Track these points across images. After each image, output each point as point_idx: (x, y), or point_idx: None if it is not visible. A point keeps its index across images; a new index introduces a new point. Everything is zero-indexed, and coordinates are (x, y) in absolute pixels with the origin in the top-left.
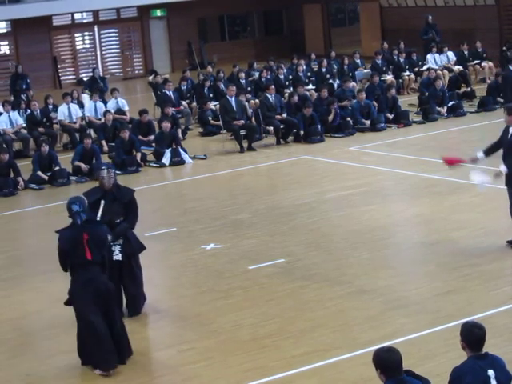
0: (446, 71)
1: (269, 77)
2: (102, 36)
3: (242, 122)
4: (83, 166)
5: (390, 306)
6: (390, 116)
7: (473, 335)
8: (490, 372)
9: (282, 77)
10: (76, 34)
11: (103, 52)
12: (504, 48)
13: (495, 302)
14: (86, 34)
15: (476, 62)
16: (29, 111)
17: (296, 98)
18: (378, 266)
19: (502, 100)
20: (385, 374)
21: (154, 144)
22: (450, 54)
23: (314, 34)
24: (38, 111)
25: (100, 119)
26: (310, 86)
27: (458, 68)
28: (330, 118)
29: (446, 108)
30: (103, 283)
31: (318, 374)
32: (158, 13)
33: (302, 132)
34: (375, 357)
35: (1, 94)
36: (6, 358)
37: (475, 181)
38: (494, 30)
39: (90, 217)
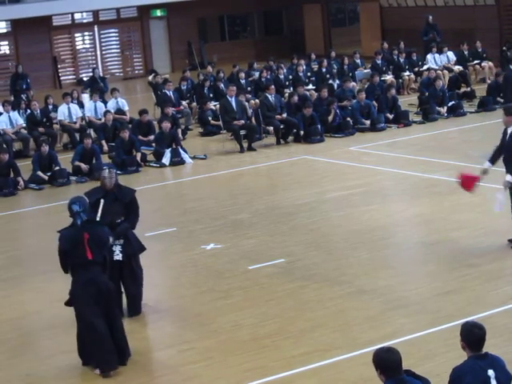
0: (445, 71)
1: (269, 77)
2: (102, 36)
3: (242, 122)
4: (83, 166)
5: (390, 305)
6: (390, 116)
7: (473, 335)
8: (490, 372)
9: (282, 77)
10: (76, 34)
11: (103, 52)
12: (504, 48)
13: (495, 302)
14: (86, 34)
15: (476, 61)
16: (29, 111)
17: (296, 98)
18: (378, 266)
19: (502, 100)
20: (384, 374)
21: (154, 144)
22: (450, 54)
23: (314, 34)
24: (38, 111)
25: (100, 119)
26: (310, 86)
27: (457, 68)
28: (330, 118)
29: (445, 108)
30: (104, 283)
31: (318, 374)
32: (158, 13)
33: (301, 132)
34: (375, 357)
35: (1, 94)
36: (5, 357)
37: (499, 200)
38: (494, 29)
39: (90, 217)
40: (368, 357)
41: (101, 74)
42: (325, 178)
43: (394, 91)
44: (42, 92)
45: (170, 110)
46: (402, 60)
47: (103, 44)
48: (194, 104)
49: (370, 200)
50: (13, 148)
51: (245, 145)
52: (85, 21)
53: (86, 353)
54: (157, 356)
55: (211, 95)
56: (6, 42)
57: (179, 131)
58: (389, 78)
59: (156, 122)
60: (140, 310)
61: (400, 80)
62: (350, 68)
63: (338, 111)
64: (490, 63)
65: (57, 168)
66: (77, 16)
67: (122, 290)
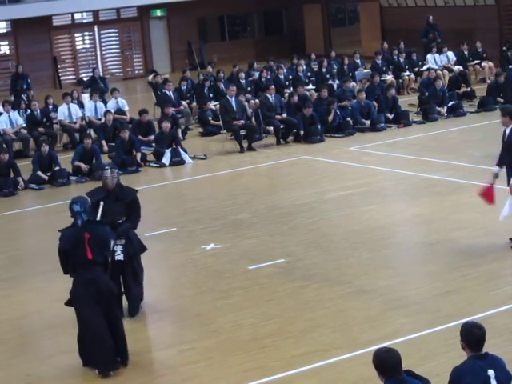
0: (445, 71)
1: (269, 77)
2: (102, 36)
3: (242, 122)
4: (83, 166)
5: (390, 305)
6: (390, 116)
7: (472, 335)
8: (490, 372)
9: (282, 77)
10: (76, 34)
11: (103, 52)
12: (504, 48)
13: (495, 301)
14: (86, 33)
15: (476, 61)
16: (29, 111)
17: (296, 98)
18: (378, 266)
19: (502, 100)
20: (384, 374)
21: (154, 144)
22: (450, 54)
23: (314, 34)
24: (38, 111)
25: (100, 119)
26: (310, 86)
27: (458, 68)
28: (330, 118)
29: (445, 108)
30: (105, 284)
31: (318, 374)
32: (158, 13)
33: (301, 132)
34: (375, 357)
35: (1, 94)
36: (6, 358)
37: (509, 205)
38: (494, 29)
39: (91, 217)
40: (368, 357)
41: (101, 74)
42: (325, 178)
43: (393, 91)
44: (42, 92)
45: (171, 110)
46: (402, 60)
47: (103, 44)
48: (194, 104)
49: (370, 200)
50: (13, 148)
51: (245, 145)
52: (85, 21)
53: (86, 354)
54: (157, 356)
55: (211, 95)
56: (6, 42)
57: (179, 131)
58: (389, 78)
59: (156, 122)
60: (139, 310)
61: (400, 80)
62: (350, 68)
63: (337, 111)
64: (490, 63)
65: (57, 168)
66: (77, 16)
67: (122, 289)
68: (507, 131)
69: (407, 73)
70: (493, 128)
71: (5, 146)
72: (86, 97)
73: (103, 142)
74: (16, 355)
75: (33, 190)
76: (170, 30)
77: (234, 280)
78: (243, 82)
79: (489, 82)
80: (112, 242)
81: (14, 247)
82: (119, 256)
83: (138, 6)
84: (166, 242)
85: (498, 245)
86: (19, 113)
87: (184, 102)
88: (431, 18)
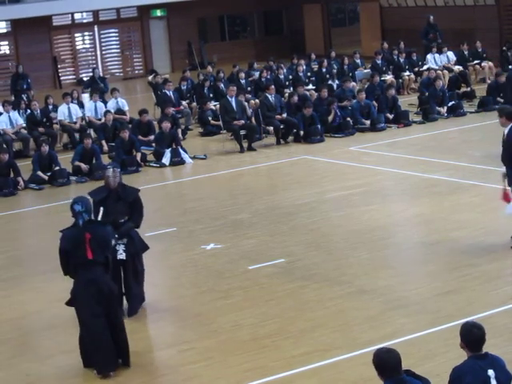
0: (445, 71)
1: (269, 77)
2: (102, 36)
3: (242, 121)
4: (83, 166)
5: (390, 305)
6: (390, 116)
7: (472, 335)
8: (490, 372)
9: (282, 77)
10: (76, 34)
11: (103, 52)
12: (504, 48)
13: (495, 301)
14: (86, 33)
15: (476, 61)
16: (29, 111)
17: (296, 98)
18: (378, 266)
19: (502, 100)
20: (384, 374)
21: (154, 144)
22: (450, 54)
23: (314, 34)
24: (38, 111)
25: (100, 119)
26: (310, 86)
27: (458, 68)
28: (330, 118)
29: (445, 108)
30: (106, 284)
31: (318, 374)
32: (158, 13)
33: (301, 132)
34: (375, 358)
35: (1, 93)
36: (5, 358)
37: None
38: (494, 30)
39: (94, 217)
40: (368, 357)
41: (101, 74)
42: (325, 178)
43: (393, 91)
44: (42, 92)
45: (171, 110)
46: (402, 60)
47: (103, 44)
48: (194, 104)
49: (370, 200)
50: (13, 148)
51: (245, 145)
52: (85, 21)
53: (87, 355)
54: (157, 356)
55: (211, 95)
56: (6, 42)
57: (179, 131)
58: (389, 78)
59: (156, 122)
60: (138, 310)
61: (400, 80)
62: (350, 68)
63: (337, 111)
64: (490, 63)
65: (57, 168)
66: (77, 16)
67: (123, 289)
68: (505, 132)
69: (407, 73)
70: (493, 128)
71: (5, 146)
72: (85, 97)
73: (103, 142)
74: (16, 355)
75: (33, 190)
76: (170, 30)
77: (233, 280)
78: (243, 81)
79: (489, 81)
80: (113, 241)
81: (14, 247)
82: (121, 255)
83: (138, 6)
84: (165, 242)
85: (497, 245)
86: (19, 113)
87: (184, 102)
88: (432, 18)
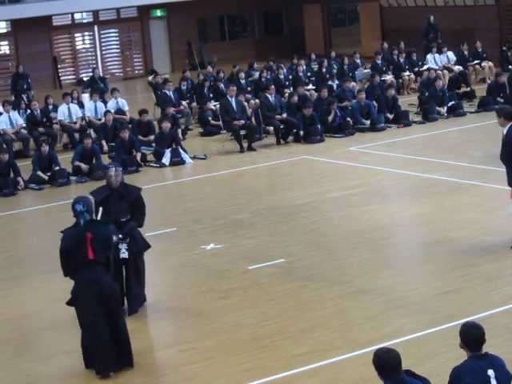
0: (445, 71)
1: (269, 77)
2: (102, 36)
3: (242, 122)
4: (83, 166)
5: (390, 306)
6: (390, 116)
7: (471, 335)
8: (490, 372)
9: (282, 77)
10: (76, 34)
11: (103, 52)
12: (504, 48)
13: (495, 302)
14: (86, 33)
15: (476, 61)
16: (29, 111)
17: (296, 98)
18: (378, 266)
19: (502, 100)
20: (384, 374)
21: (153, 144)
22: (450, 54)
23: (314, 34)
24: (38, 111)
25: (100, 119)
26: (310, 86)
27: (458, 68)
28: (330, 118)
29: (445, 108)
30: (107, 284)
31: (318, 374)
32: (158, 13)
33: (301, 132)
34: (375, 358)
35: (1, 93)
36: (5, 358)
37: None
38: (494, 30)
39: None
40: (368, 357)
41: (101, 74)
42: (325, 178)
43: (393, 91)
44: (42, 92)
45: (171, 110)
46: (402, 60)
47: (103, 44)
48: (194, 104)
49: (370, 200)
50: (13, 148)
51: (245, 145)
52: (85, 21)
53: (88, 355)
54: (157, 356)
55: (211, 95)
56: (6, 42)
57: (179, 131)
58: (389, 78)
59: (156, 122)
60: (138, 310)
61: (400, 80)
62: (350, 68)
63: (337, 111)
64: (490, 63)
65: (57, 168)
66: (77, 16)
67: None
68: (504, 131)
69: (407, 73)
70: (493, 128)
71: (5, 146)
72: (86, 97)
73: (103, 142)
74: (16, 355)
75: (33, 190)
76: (170, 29)
77: (234, 280)
78: (243, 81)
79: (489, 81)
80: (115, 238)
81: (14, 247)
82: (124, 254)
83: (138, 6)
84: (166, 242)
85: (497, 245)
86: (19, 113)
87: (184, 102)
88: (432, 18)
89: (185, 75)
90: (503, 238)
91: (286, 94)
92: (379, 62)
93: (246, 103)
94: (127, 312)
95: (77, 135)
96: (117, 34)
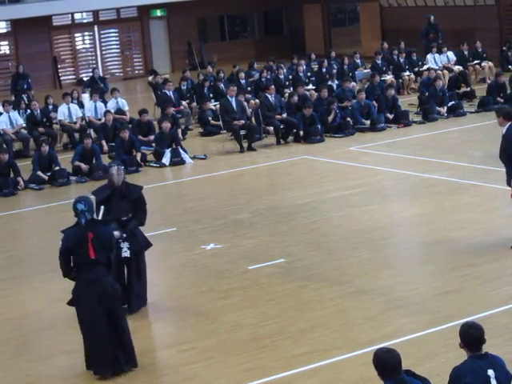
0: (445, 71)
1: (269, 77)
2: (102, 36)
3: (242, 122)
4: (83, 166)
5: (390, 306)
6: (390, 116)
7: (470, 336)
8: (490, 372)
9: (282, 77)
10: (76, 34)
11: (103, 52)
12: (504, 48)
13: (495, 301)
14: (86, 33)
15: (476, 61)
16: (29, 111)
17: (296, 98)
18: (378, 266)
19: (502, 100)
20: (384, 374)
21: (153, 144)
22: (450, 54)
23: (314, 34)
24: (38, 111)
25: (100, 119)
26: (310, 86)
27: (458, 68)
28: (330, 118)
29: (445, 108)
30: (109, 284)
31: (318, 374)
32: (158, 13)
33: (301, 132)
34: (375, 358)
35: (1, 93)
36: (5, 358)
37: None
38: (494, 30)
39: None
40: (368, 357)
41: (101, 74)
42: (325, 178)
43: (393, 91)
44: (41, 92)
45: (171, 110)
46: (402, 60)
47: (103, 44)
48: (194, 104)
49: (370, 200)
50: (13, 148)
51: (245, 145)
52: (85, 21)
53: (89, 357)
54: (157, 356)
55: (211, 95)
56: (6, 42)
57: (179, 131)
58: (389, 78)
59: (156, 122)
60: (138, 309)
61: (400, 80)
62: (350, 68)
63: (337, 111)
64: (490, 63)
65: (57, 168)
66: (77, 16)
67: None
68: (503, 131)
69: (407, 73)
70: (493, 128)
71: (5, 146)
72: (86, 97)
73: (103, 142)
74: (16, 355)
75: (33, 190)
76: (170, 29)
77: (234, 280)
78: (243, 81)
79: (489, 81)
80: (118, 234)
81: (14, 247)
82: (126, 253)
83: (138, 6)
84: (166, 242)
85: (497, 245)
86: (19, 113)
87: (184, 102)
88: (432, 18)
89: (185, 75)
90: (503, 238)
91: (286, 94)
92: (379, 61)
93: (245, 103)
94: (128, 311)
95: (77, 135)
96: (117, 34)
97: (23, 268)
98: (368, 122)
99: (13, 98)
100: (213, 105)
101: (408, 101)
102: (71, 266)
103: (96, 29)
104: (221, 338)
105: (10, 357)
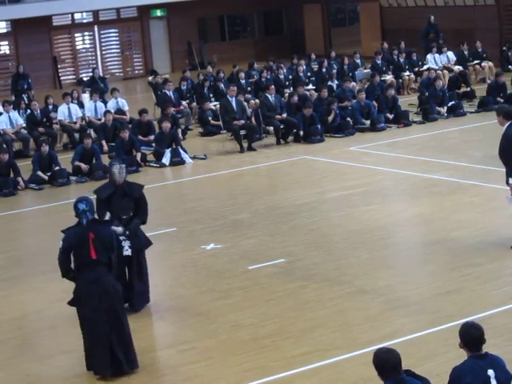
0: (445, 71)
1: (269, 77)
2: (102, 36)
3: (242, 122)
4: (83, 166)
5: (390, 306)
6: (390, 116)
7: (470, 336)
8: (490, 372)
9: (282, 77)
10: (76, 34)
11: (103, 52)
12: (504, 48)
13: (495, 301)
14: (86, 33)
15: (476, 61)
16: (29, 111)
17: (296, 98)
18: (378, 266)
19: (502, 100)
20: (384, 374)
21: (153, 144)
22: (450, 54)
23: (314, 34)
24: (38, 111)
25: (100, 119)
26: (310, 86)
27: (458, 68)
28: (330, 118)
29: (445, 108)
30: (110, 284)
31: (318, 374)
32: (158, 13)
33: (301, 132)
34: (375, 358)
35: (1, 93)
36: (5, 358)
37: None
38: (494, 30)
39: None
40: (368, 357)
41: (101, 74)
42: (325, 178)
43: (393, 91)
44: (41, 92)
45: (171, 110)
46: (402, 60)
47: (103, 44)
48: (194, 104)
49: (370, 200)
50: (13, 148)
51: (245, 145)
52: (85, 21)
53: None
54: (157, 356)
55: (211, 95)
56: (6, 42)
57: (179, 131)
58: (389, 78)
59: (156, 122)
60: (140, 309)
61: (400, 80)
62: (350, 68)
63: (337, 111)
64: (490, 63)
65: (57, 168)
66: (77, 16)
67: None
68: (503, 130)
69: (407, 73)
70: (493, 128)
71: (5, 146)
72: (86, 97)
73: (103, 142)
74: (16, 355)
75: (33, 190)
76: (170, 29)
77: (234, 280)
78: (243, 81)
79: (489, 81)
80: (121, 230)
81: (14, 247)
82: (127, 251)
83: (138, 6)
84: (166, 242)
85: (497, 245)
86: (19, 113)
87: (184, 102)
88: (432, 17)
89: (185, 75)
90: (503, 238)
91: (286, 94)
92: (379, 61)
93: (245, 103)
94: (129, 310)
95: (77, 135)
96: (117, 34)
97: (23, 268)
98: (368, 122)
99: (13, 97)
100: (213, 105)
101: (408, 101)
102: (71, 267)
103: (96, 29)
104: (221, 337)
105: (10, 357)
